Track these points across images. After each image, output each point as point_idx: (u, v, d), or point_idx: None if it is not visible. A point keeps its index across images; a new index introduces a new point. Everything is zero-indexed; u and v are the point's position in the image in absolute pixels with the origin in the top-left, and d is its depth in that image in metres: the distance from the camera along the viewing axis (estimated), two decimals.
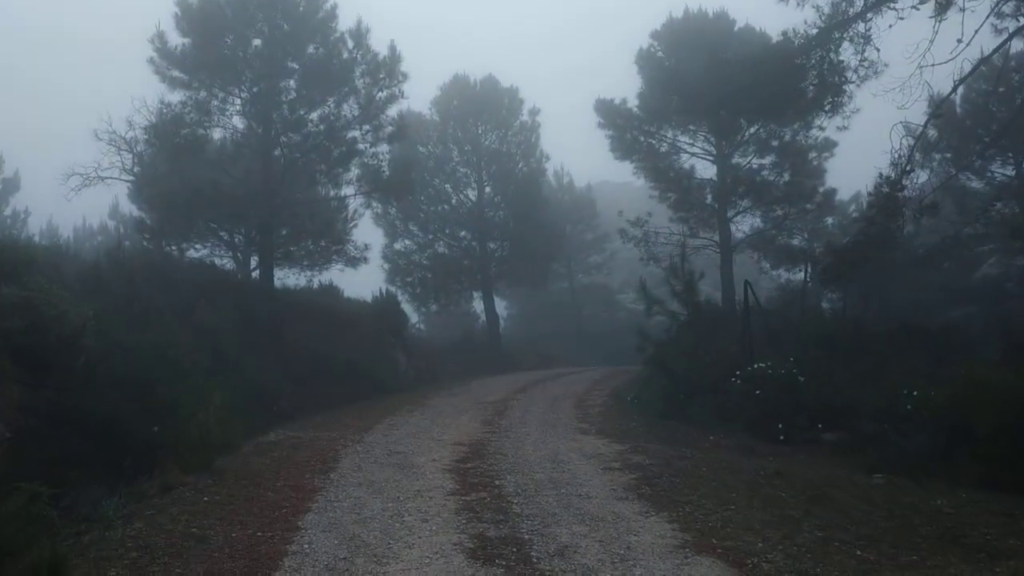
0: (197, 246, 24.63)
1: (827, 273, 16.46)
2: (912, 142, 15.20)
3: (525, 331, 42.28)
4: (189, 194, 16.49)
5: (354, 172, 19.55)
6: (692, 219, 25.78)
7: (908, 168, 15.67)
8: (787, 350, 14.59)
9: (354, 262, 20.09)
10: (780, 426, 12.30)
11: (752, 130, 24.55)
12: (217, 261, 23.13)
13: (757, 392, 12.83)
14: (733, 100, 21.56)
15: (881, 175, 15.44)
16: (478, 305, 36.45)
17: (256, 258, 21.52)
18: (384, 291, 24.65)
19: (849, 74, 15.94)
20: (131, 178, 20.73)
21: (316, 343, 19.57)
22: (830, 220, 27.68)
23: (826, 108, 17.12)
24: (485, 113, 31.31)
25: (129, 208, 26.00)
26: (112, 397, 9.71)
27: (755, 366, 13.20)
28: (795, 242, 26.61)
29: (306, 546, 6.04)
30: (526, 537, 6.42)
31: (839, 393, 12.55)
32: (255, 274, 21.46)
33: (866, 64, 15.33)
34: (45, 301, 9.08)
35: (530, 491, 8.24)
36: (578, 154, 64.71)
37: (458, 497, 7.86)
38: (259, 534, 6.36)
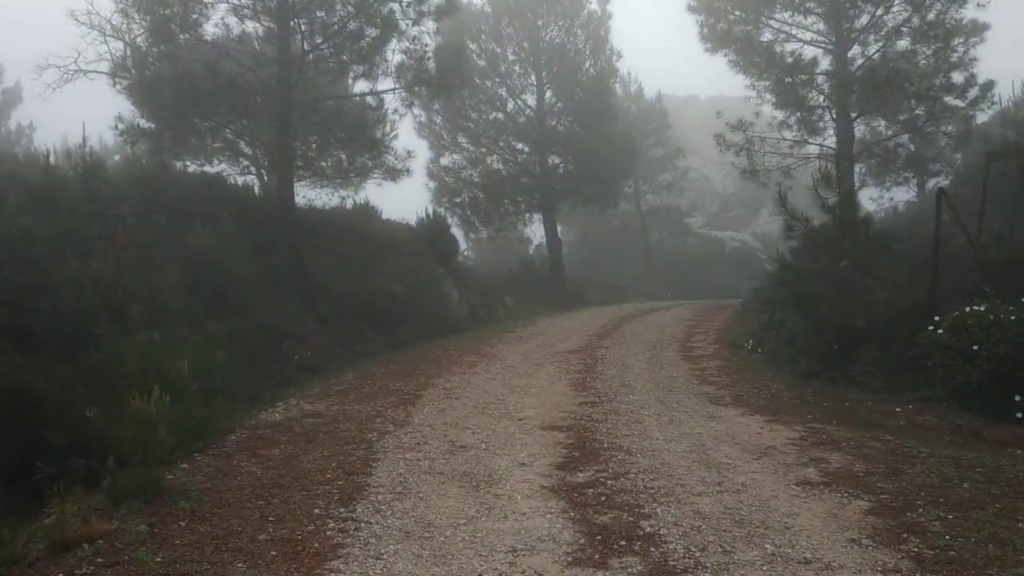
0: (215, 160, 21.30)
1: None
2: None
3: (584, 259, 38.42)
4: (178, 82, 12.85)
5: (393, 59, 15.67)
6: (805, 121, 21.57)
7: None
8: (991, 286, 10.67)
9: (395, 174, 16.38)
10: (1018, 399, 8.48)
11: (882, 9, 20.01)
12: (238, 180, 19.73)
13: (975, 348, 8.97)
14: None
15: None
16: (532, 230, 32.72)
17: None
18: (431, 212, 21.01)
19: None
20: (124, 73, 17.08)
21: (349, 274, 16.11)
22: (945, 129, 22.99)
23: None
24: (546, 1, 26.86)
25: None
26: (18, 366, 6.27)
27: (970, 308, 9.30)
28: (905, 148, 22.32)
29: None
30: None
31: None
32: None
33: None
34: None
35: (711, 550, 4.62)
36: (638, 65, 59.84)
37: (592, 573, 4.26)
38: None
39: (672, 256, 40.08)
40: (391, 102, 16.80)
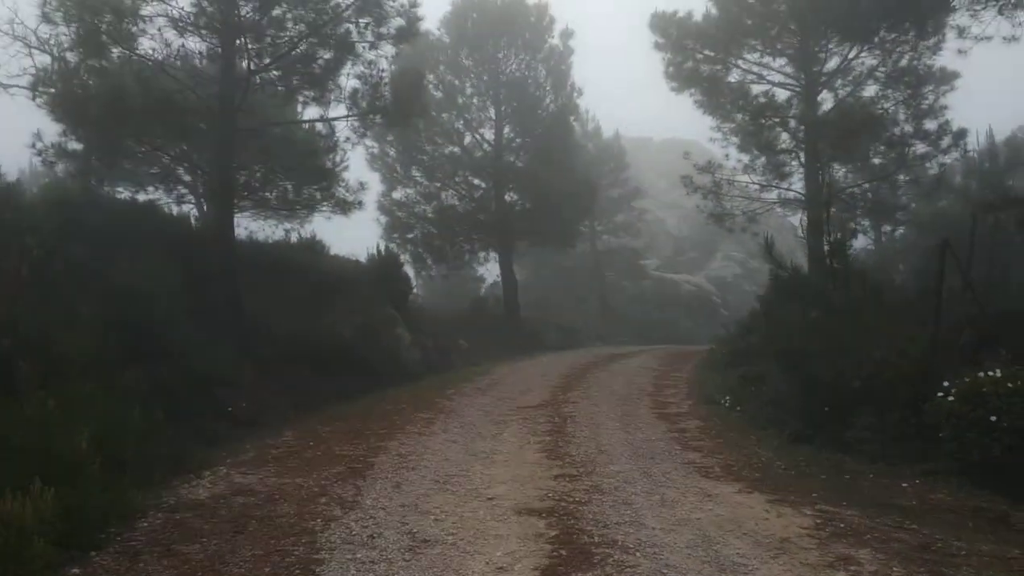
0: (150, 189, 19.87)
1: None
2: None
3: (536, 299, 37.34)
4: (107, 96, 11.56)
5: (347, 85, 14.59)
6: (772, 165, 21.10)
7: None
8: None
9: (346, 207, 15.16)
10: None
11: (854, 53, 19.67)
12: (173, 210, 18.27)
13: (993, 419, 8.12)
14: None
15: None
16: (488, 269, 31.70)
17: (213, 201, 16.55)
18: (383, 249, 19.79)
19: None
20: (48, 87, 15.60)
21: (292, 315, 14.83)
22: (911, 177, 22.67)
23: None
24: (507, 34, 26.12)
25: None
26: None
27: (985, 374, 8.48)
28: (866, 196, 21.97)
29: None
30: None
31: None
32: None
33: None
34: None
35: None
36: (593, 106, 59.80)
37: None
38: None
39: (628, 299, 39.41)
40: (343, 131, 15.66)
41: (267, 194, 18.38)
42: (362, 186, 15.60)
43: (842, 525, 6.62)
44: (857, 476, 8.76)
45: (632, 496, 7.27)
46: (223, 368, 11.96)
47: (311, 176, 14.48)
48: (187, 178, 19.71)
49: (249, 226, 22.18)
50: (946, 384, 8.90)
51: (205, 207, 20.78)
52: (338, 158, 15.77)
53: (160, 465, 7.65)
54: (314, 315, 15.38)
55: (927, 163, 20.16)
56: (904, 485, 8.38)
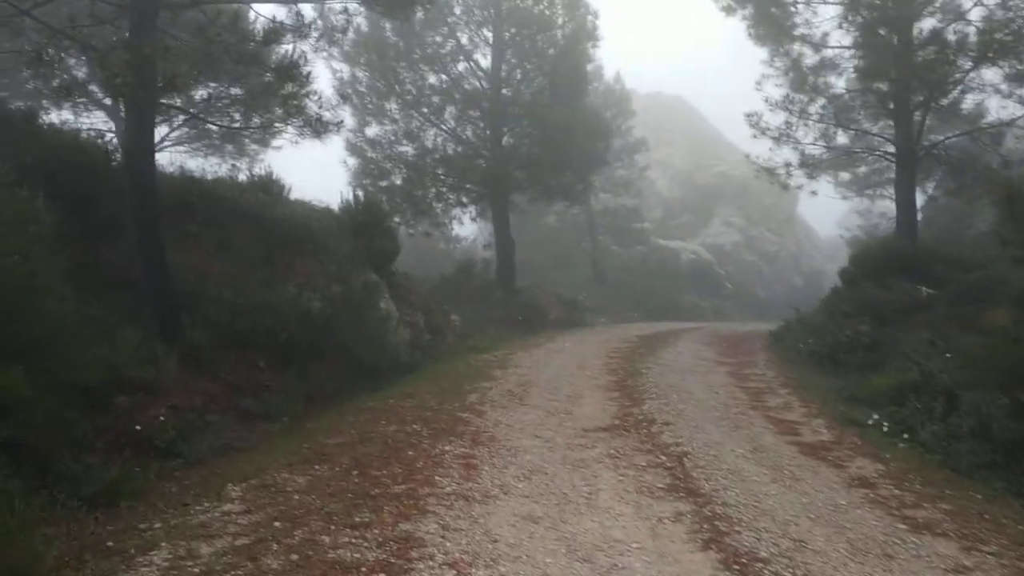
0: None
1: None
2: None
3: (518, 265, 33.01)
4: None
5: None
6: (844, 107, 17.39)
7: None
8: None
9: (319, 127, 10.75)
10: None
11: None
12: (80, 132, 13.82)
13: None
14: None
15: None
16: (480, 227, 27.47)
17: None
18: (360, 196, 15.37)
19: None
20: None
21: (239, 280, 10.59)
22: None
23: None
24: None
25: None
26: None
27: None
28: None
29: None
30: None
31: None
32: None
33: None
34: None
35: None
36: None
37: None
38: None
39: (621, 266, 35.34)
40: (315, 23, 11.19)
41: (209, 123, 14.04)
42: (343, 100, 11.24)
43: None
44: None
45: None
46: (130, 362, 7.77)
47: (273, 73, 10.03)
48: (100, 94, 15.32)
49: (185, 164, 17.78)
50: None
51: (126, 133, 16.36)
52: (308, 57, 11.26)
53: None
54: (270, 281, 11.17)
55: None
56: None
